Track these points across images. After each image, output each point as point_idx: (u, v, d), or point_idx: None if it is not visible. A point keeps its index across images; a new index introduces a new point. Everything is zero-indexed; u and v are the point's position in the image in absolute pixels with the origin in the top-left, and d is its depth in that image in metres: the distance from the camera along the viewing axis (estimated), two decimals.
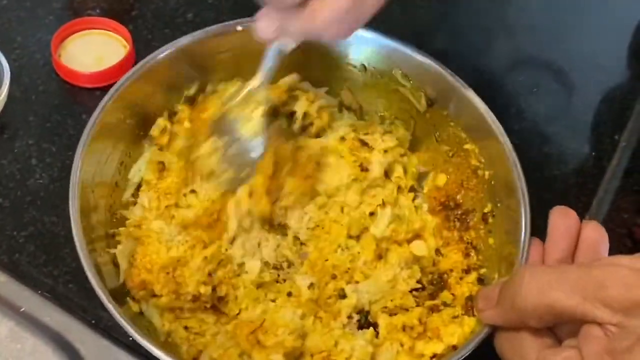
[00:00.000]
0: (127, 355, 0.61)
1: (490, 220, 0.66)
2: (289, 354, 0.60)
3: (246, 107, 0.64)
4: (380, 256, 0.66)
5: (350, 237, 0.66)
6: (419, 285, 0.66)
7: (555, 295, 0.50)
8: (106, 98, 0.64)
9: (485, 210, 0.66)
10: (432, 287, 0.66)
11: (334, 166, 0.68)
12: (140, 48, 0.77)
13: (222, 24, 0.68)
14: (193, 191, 0.66)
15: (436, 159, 0.71)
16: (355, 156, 0.68)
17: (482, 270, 0.65)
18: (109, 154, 0.65)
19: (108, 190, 0.65)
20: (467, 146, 0.68)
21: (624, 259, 0.50)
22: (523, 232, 0.60)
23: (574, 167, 0.76)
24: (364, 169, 0.68)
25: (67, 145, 0.71)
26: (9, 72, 0.70)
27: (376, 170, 0.68)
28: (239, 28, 0.67)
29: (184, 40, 0.67)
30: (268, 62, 0.61)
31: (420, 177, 0.71)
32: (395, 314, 0.63)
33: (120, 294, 0.61)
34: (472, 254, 0.66)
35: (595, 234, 0.58)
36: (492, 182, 0.66)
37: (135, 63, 0.69)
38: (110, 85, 0.65)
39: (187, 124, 0.67)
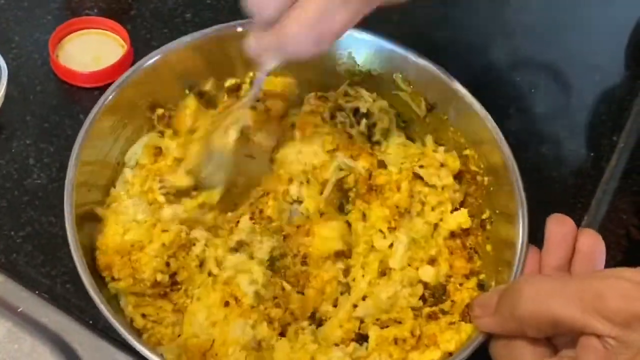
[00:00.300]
0: (125, 356, 0.60)
1: (488, 227, 0.65)
2: None
3: (223, 125, 0.64)
4: (383, 273, 0.64)
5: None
6: (421, 304, 0.64)
7: (554, 306, 0.50)
8: (103, 98, 0.63)
9: (484, 217, 0.66)
10: (432, 299, 0.65)
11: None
12: (139, 48, 0.77)
13: (222, 24, 0.68)
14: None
15: None
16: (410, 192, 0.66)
17: (482, 276, 0.65)
18: (106, 153, 0.65)
19: (105, 190, 0.65)
20: (466, 152, 0.68)
21: (626, 271, 0.50)
22: (520, 240, 0.60)
23: (572, 168, 0.76)
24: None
25: (65, 145, 0.71)
26: (7, 72, 0.70)
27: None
28: (239, 29, 0.67)
29: (183, 41, 0.67)
30: (255, 87, 0.62)
31: None
32: (387, 327, 0.62)
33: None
34: (475, 258, 0.66)
35: (591, 242, 0.58)
36: (491, 189, 0.65)
37: (134, 63, 0.68)
38: (108, 85, 0.65)
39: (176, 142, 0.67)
